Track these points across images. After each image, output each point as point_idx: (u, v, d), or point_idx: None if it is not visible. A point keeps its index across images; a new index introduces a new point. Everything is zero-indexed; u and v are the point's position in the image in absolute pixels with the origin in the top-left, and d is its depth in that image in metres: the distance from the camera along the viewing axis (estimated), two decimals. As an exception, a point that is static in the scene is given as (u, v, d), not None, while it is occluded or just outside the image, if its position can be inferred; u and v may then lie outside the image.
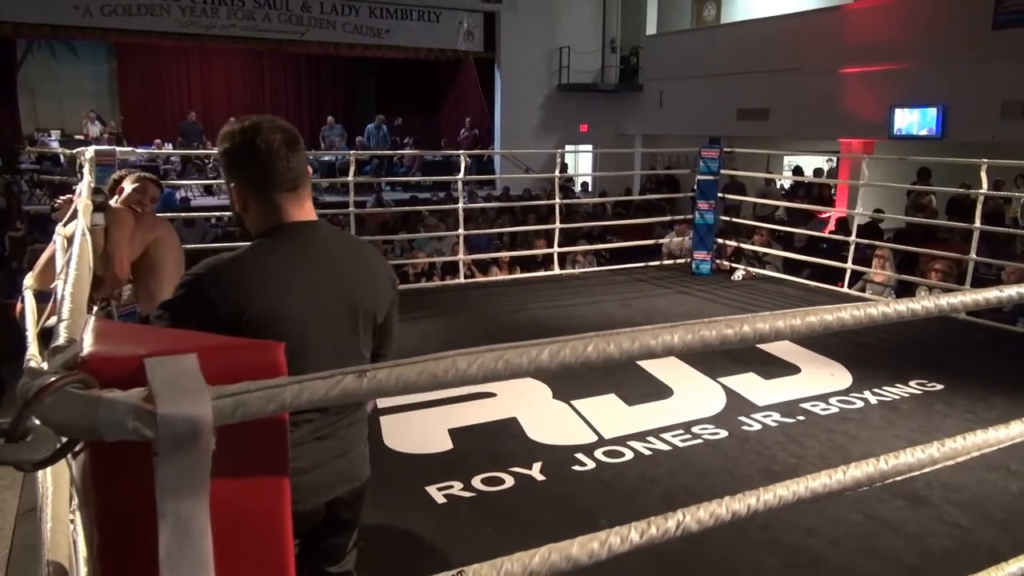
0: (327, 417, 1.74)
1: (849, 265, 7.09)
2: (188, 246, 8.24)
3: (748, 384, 4.64)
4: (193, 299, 1.59)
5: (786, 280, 7.69)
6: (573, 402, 4.30)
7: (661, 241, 8.90)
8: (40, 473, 1.20)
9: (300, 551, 1.76)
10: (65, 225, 2.69)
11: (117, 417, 0.71)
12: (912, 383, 4.70)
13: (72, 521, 1.14)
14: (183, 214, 9.15)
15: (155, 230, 3.60)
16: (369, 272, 1.81)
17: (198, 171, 14.79)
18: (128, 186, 3.69)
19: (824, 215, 11.40)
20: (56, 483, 1.15)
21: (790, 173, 15.02)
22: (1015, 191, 10.83)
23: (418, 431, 3.91)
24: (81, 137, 14.49)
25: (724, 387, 4.59)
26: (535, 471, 3.50)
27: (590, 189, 16.17)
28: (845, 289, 7.12)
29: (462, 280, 7.49)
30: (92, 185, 3.55)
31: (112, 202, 3.65)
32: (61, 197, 3.57)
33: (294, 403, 0.79)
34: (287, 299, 1.63)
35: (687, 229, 8.46)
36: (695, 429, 4.00)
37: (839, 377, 4.81)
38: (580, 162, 18.41)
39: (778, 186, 14.35)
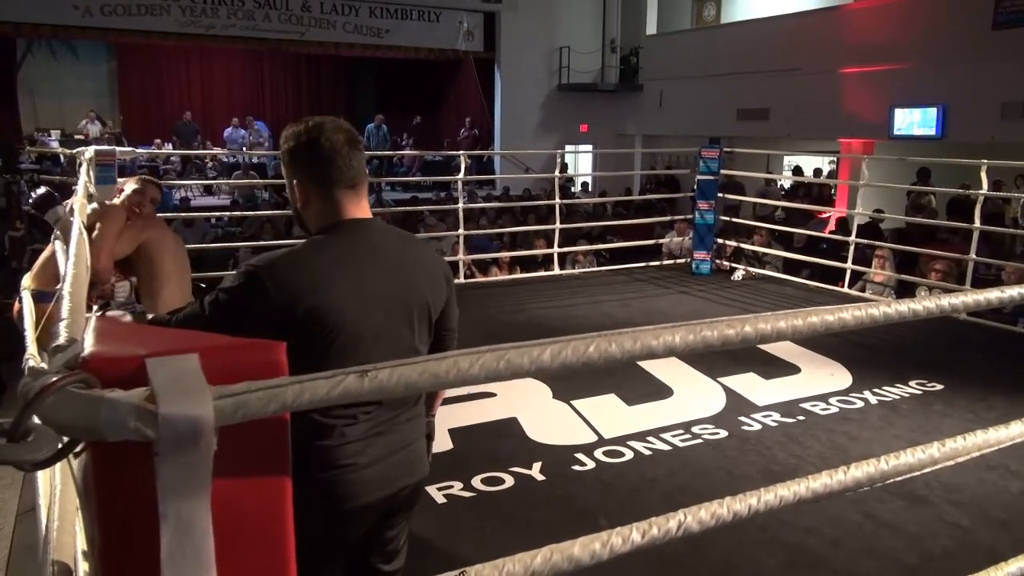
0: (385, 412, 1.76)
1: (849, 265, 7.09)
2: (189, 246, 8.22)
3: (748, 384, 4.64)
4: (251, 289, 1.61)
5: (786, 280, 7.70)
6: (573, 402, 4.30)
7: (661, 241, 8.90)
8: (42, 473, 1.20)
9: (357, 549, 1.83)
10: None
11: (119, 417, 0.71)
12: (912, 383, 4.70)
13: (77, 521, 1.14)
14: (182, 214, 9.15)
15: (147, 230, 3.59)
16: (422, 268, 1.84)
17: (197, 171, 14.79)
18: (129, 187, 3.70)
19: (824, 215, 11.40)
20: (64, 482, 1.15)
21: (790, 173, 15.02)
22: (1015, 191, 10.83)
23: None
24: (81, 137, 14.48)
25: (724, 387, 4.59)
26: (535, 471, 3.50)
27: (590, 189, 16.17)
28: (845, 289, 7.12)
29: (462, 280, 7.49)
30: (89, 186, 3.55)
31: (112, 201, 3.65)
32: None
33: (295, 403, 0.79)
34: (341, 294, 1.66)
35: (687, 228, 8.46)
36: (695, 429, 4.00)
37: (839, 377, 4.81)
38: (580, 162, 18.41)
39: (778, 186, 14.35)
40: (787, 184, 14.24)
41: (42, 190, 3.41)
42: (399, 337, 1.76)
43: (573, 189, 15.29)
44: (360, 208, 1.78)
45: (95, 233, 3.39)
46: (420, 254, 1.88)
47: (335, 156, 1.72)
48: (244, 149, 15.43)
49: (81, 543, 1.08)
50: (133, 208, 3.59)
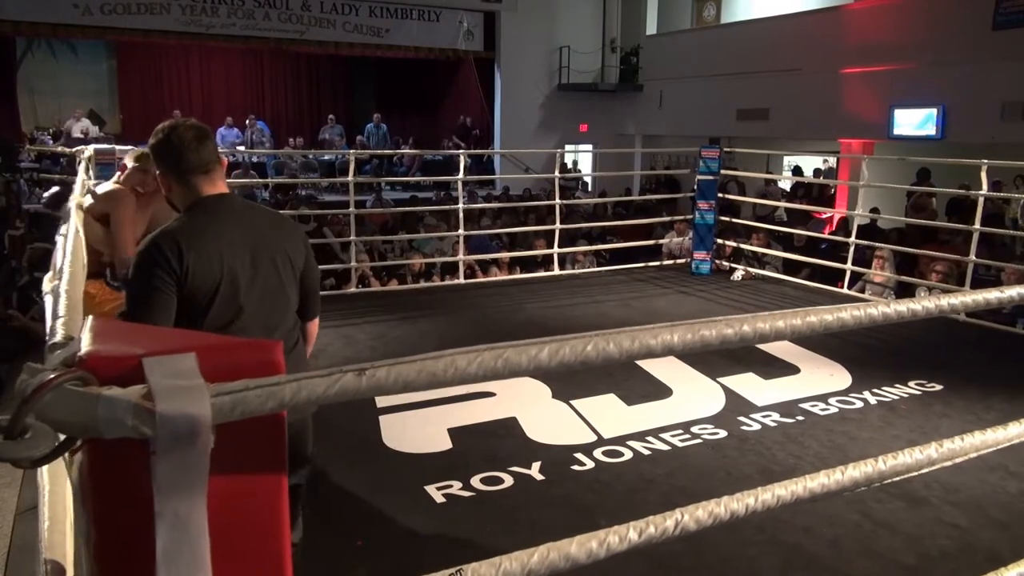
0: (258, 334, 2.13)
1: (849, 266, 7.09)
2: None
3: (747, 384, 4.64)
4: (156, 255, 2.03)
5: (785, 280, 7.70)
6: (572, 402, 4.30)
7: (661, 242, 8.90)
8: (39, 471, 1.20)
9: None
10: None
11: (116, 415, 0.70)
12: (911, 384, 4.71)
13: (70, 520, 1.14)
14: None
15: (152, 204, 3.57)
16: (277, 225, 2.26)
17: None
18: (130, 163, 3.64)
19: (823, 216, 11.41)
20: (53, 481, 1.15)
21: (790, 173, 15.02)
22: (1014, 192, 10.84)
23: (417, 430, 3.91)
24: (47, 135, 14.45)
25: (723, 387, 4.59)
26: (534, 471, 3.50)
27: (589, 189, 16.17)
28: (845, 290, 7.12)
29: (462, 280, 7.49)
30: (88, 185, 3.54)
31: (114, 181, 3.63)
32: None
33: (292, 401, 0.79)
34: (214, 248, 2.07)
35: (686, 228, 8.46)
36: (694, 429, 4.00)
37: (838, 377, 4.81)
38: (580, 162, 18.42)
39: (778, 186, 14.35)
40: (787, 185, 14.24)
41: (55, 188, 3.41)
42: (268, 277, 2.17)
43: (573, 190, 15.28)
44: (215, 187, 2.17)
45: (112, 224, 3.39)
46: (275, 217, 2.31)
47: (185, 149, 2.11)
48: (241, 148, 15.42)
49: (74, 541, 1.08)
50: (137, 188, 3.58)
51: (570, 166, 17.52)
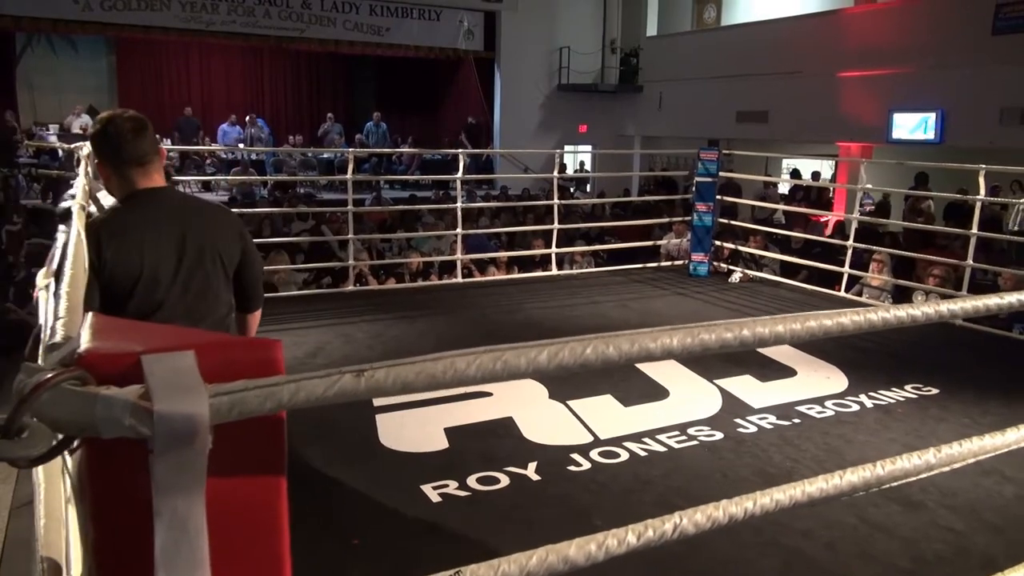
0: (183, 323, 2.13)
1: (846, 269, 7.10)
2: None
3: (744, 386, 4.65)
4: (93, 239, 2.07)
5: (783, 283, 7.70)
6: (569, 402, 4.30)
7: (659, 243, 8.89)
8: (35, 469, 1.20)
9: None
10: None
11: (114, 414, 0.70)
12: (908, 387, 4.71)
13: (67, 518, 1.14)
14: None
15: None
16: (211, 219, 2.25)
17: (196, 168, 14.76)
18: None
19: (821, 219, 11.42)
20: (49, 478, 1.14)
21: (788, 176, 15.03)
22: (1010, 197, 10.86)
23: (414, 430, 3.91)
24: (52, 131, 14.44)
25: (720, 389, 4.59)
26: (530, 471, 3.50)
27: (588, 190, 16.17)
28: (842, 293, 7.13)
29: (460, 279, 7.49)
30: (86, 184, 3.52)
31: None
32: None
33: (291, 402, 0.78)
34: (137, 241, 2.10)
35: (685, 229, 8.46)
36: (691, 431, 4.00)
37: (835, 380, 4.82)
38: (578, 162, 18.43)
39: (776, 189, 14.37)
40: (785, 188, 14.25)
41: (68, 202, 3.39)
42: (194, 270, 2.17)
43: (572, 189, 15.28)
44: (150, 180, 2.19)
45: None
46: (209, 210, 2.30)
47: (122, 141, 2.12)
48: (241, 146, 15.40)
49: (72, 540, 1.08)
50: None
51: (576, 167, 17.54)
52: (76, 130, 14.41)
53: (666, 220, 9.07)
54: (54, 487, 1.14)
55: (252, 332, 2.56)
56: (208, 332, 0.95)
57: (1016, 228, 10.12)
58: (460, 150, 8.67)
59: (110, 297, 2.11)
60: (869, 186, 7.56)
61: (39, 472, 1.19)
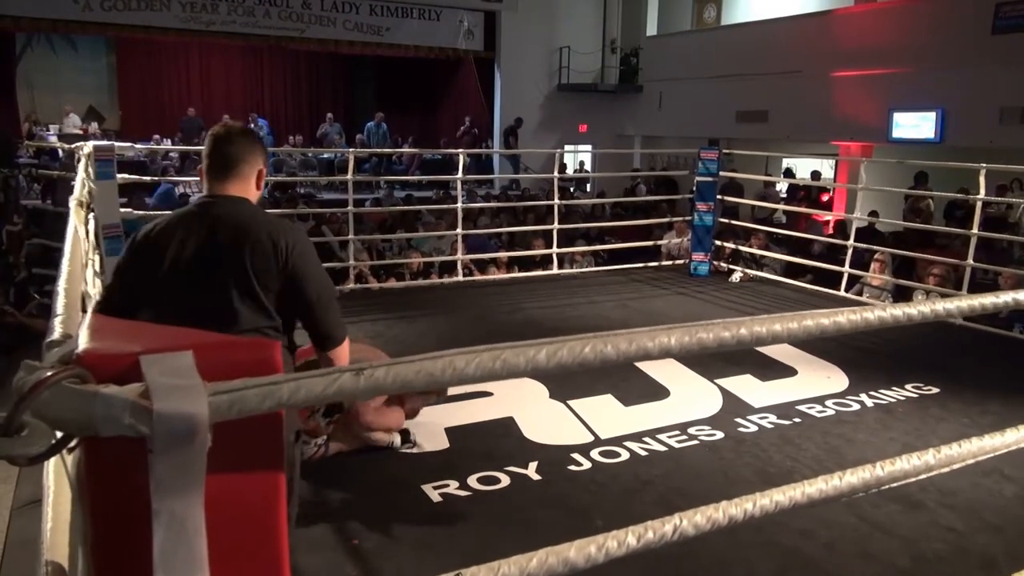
0: None
1: (847, 269, 7.09)
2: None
3: (744, 386, 4.65)
4: (142, 226, 2.19)
5: (783, 282, 7.70)
6: (570, 402, 4.30)
7: (660, 243, 8.88)
8: (44, 470, 1.20)
9: None
10: None
11: (113, 413, 0.70)
12: (908, 387, 4.71)
13: (73, 520, 1.14)
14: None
15: None
16: (246, 240, 2.09)
17: (197, 167, 14.75)
18: None
19: (821, 219, 11.42)
20: (58, 480, 1.14)
21: (782, 175, 15.03)
22: (1009, 196, 10.85)
23: (414, 429, 3.90)
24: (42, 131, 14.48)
25: (720, 388, 4.59)
26: (531, 471, 3.50)
27: (588, 189, 16.17)
28: (842, 292, 7.13)
29: (460, 279, 7.49)
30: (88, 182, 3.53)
31: None
32: None
33: (290, 400, 0.79)
34: (171, 237, 2.09)
35: (686, 228, 8.46)
36: (691, 430, 4.00)
37: (835, 380, 4.82)
38: (578, 161, 18.43)
39: (776, 188, 14.37)
40: (784, 187, 14.25)
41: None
42: (212, 288, 2.07)
43: (572, 189, 15.27)
44: (224, 188, 2.18)
45: None
46: (255, 228, 2.12)
47: (207, 152, 2.20)
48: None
49: (77, 543, 1.08)
50: None
51: (576, 167, 17.53)
52: (68, 131, 14.44)
53: (666, 220, 9.07)
54: (63, 489, 1.14)
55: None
56: (207, 333, 0.95)
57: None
58: (460, 151, 8.65)
59: (136, 293, 2.09)
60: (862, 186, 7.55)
61: (49, 474, 1.19)
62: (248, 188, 2.22)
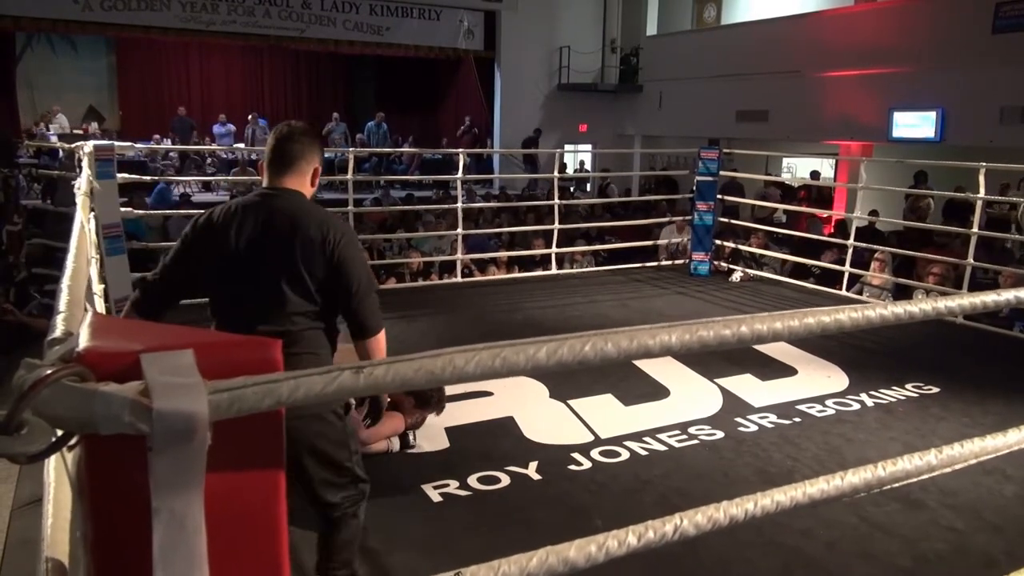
0: None
1: (847, 268, 7.09)
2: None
3: (745, 385, 4.65)
4: (200, 214, 2.38)
5: (784, 282, 7.70)
6: (570, 401, 4.30)
7: (660, 242, 8.87)
8: (45, 468, 1.20)
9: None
10: None
11: (113, 411, 0.70)
12: (908, 386, 4.71)
13: (74, 518, 1.14)
14: (180, 212, 9.14)
15: None
16: (302, 227, 2.26)
17: (196, 167, 14.75)
18: None
19: (822, 216, 11.41)
20: (59, 478, 1.14)
21: (788, 174, 15.03)
22: (1013, 195, 10.83)
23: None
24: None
25: (721, 388, 4.59)
26: (531, 470, 3.50)
27: (588, 189, 16.16)
28: (843, 292, 7.12)
29: (460, 279, 7.49)
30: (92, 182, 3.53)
31: None
32: None
33: (290, 398, 0.78)
34: (229, 225, 2.27)
35: (685, 225, 8.47)
36: (691, 430, 4.00)
37: (835, 379, 4.82)
38: (577, 161, 18.43)
39: (775, 188, 14.36)
40: (789, 183, 14.24)
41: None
42: (265, 271, 2.24)
43: (572, 189, 15.27)
44: (281, 181, 2.34)
45: None
46: (306, 220, 2.28)
47: (270, 148, 2.37)
48: (241, 145, 15.40)
49: (76, 539, 1.08)
50: None
51: (576, 167, 17.53)
52: (56, 131, 14.44)
53: (666, 220, 9.07)
54: (63, 487, 1.14)
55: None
56: (207, 331, 0.95)
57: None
58: (460, 150, 8.65)
59: (196, 269, 2.30)
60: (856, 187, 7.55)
61: (49, 472, 1.19)
62: (304, 183, 2.37)
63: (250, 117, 16.00)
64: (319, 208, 2.41)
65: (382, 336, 2.36)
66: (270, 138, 2.39)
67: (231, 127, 15.85)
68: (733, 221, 8.54)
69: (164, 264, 2.33)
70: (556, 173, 8.14)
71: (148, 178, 8.89)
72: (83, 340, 0.79)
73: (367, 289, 2.31)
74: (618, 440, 3.85)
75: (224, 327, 2.26)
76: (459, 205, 7.59)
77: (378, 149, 15.21)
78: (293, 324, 2.24)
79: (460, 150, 8.14)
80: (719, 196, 8.13)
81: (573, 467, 3.57)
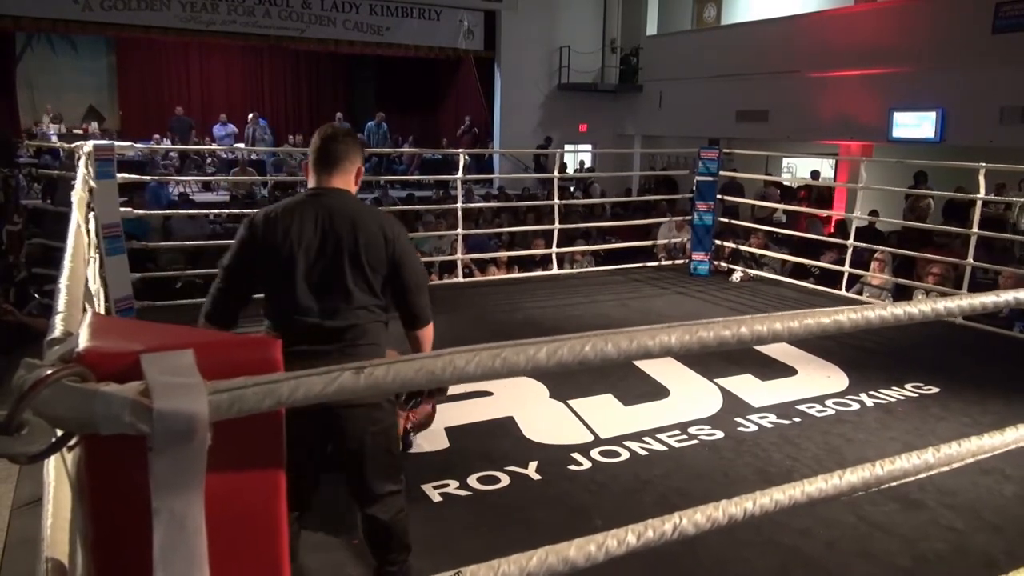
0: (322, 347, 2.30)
1: (847, 268, 7.09)
2: (190, 241, 8.20)
3: (744, 385, 4.65)
4: (256, 215, 2.43)
5: (784, 282, 7.70)
6: (570, 401, 4.30)
7: (659, 241, 8.87)
8: (45, 468, 1.20)
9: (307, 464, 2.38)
10: None
11: (113, 411, 0.70)
12: (908, 386, 4.71)
13: (74, 518, 1.14)
14: (182, 211, 9.13)
15: None
16: (360, 224, 2.35)
17: (196, 167, 14.75)
18: None
19: (822, 216, 11.40)
20: (59, 478, 1.14)
21: (789, 174, 15.02)
22: (1012, 195, 10.84)
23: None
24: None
25: (720, 388, 4.59)
26: (531, 470, 3.51)
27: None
28: (843, 292, 7.12)
29: (460, 279, 7.48)
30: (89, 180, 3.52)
31: None
32: None
33: (291, 398, 0.78)
34: (288, 224, 2.33)
35: (684, 224, 8.46)
36: (691, 430, 4.00)
37: (835, 379, 4.82)
38: (577, 161, 18.43)
39: (776, 188, 14.36)
40: (787, 184, 14.24)
41: None
42: (328, 268, 2.32)
43: (572, 189, 15.27)
44: (330, 181, 2.43)
45: None
46: (364, 216, 2.39)
47: (316, 148, 2.45)
48: (241, 145, 15.40)
49: (76, 540, 1.08)
50: None
51: (576, 167, 17.52)
52: (47, 131, 14.45)
53: (666, 219, 9.07)
54: (63, 487, 1.14)
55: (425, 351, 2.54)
56: (207, 331, 0.95)
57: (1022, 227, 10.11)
58: (460, 150, 8.64)
59: (262, 269, 2.36)
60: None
61: (49, 472, 1.19)
62: (349, 182, 2.48)
63: (250, 117, 16.00)
64: (372, 207, 2.54)
65: (431, 327, 2.52)
66: (315, 139, 2.46)
67: (232, 127, 15.85)
68: (733, 221, 8.54)
69: (225, 269, 2.40)
70: (556, 173, 8.14)
71: (147, 178, 8.87)
72: (83, 340, 0.78)
73: (422, 283, 2.48)
74: (618, 440, 3.85)
75: (285, 325, 2.31)
76: (459, 205, 7.58)
77: (378, 149, 15.21)
78: (358, 318, 2.34)
79: (460, 150, 8.14)
80: (719, 196, 8.13)
81: (573, 467, 3.57)
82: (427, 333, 2.52)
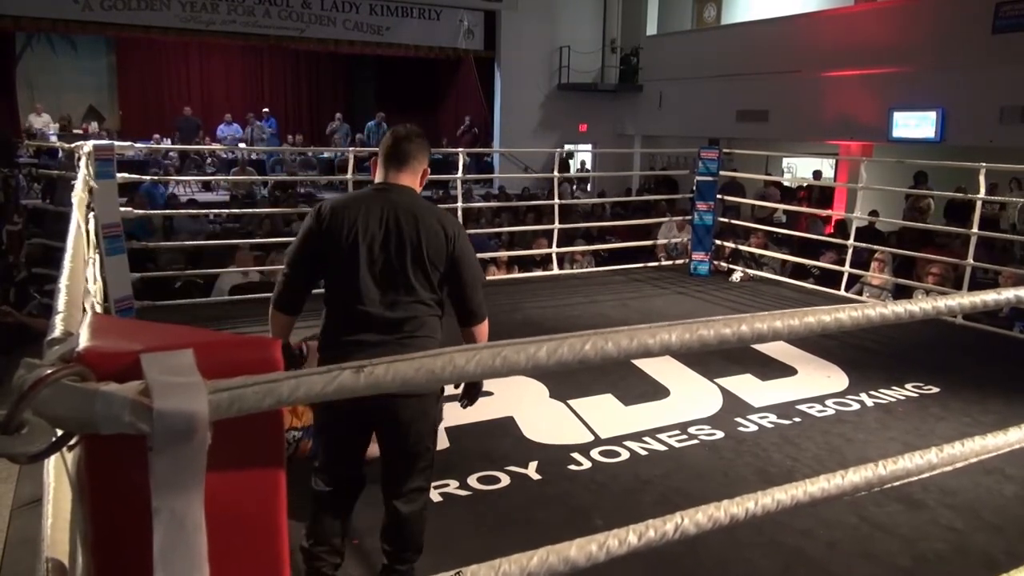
0: (374, 338, 2.37)
1: (847, 268, 7.09)
2: (190, 241, 8.19)
3: (745, 385, 4.64)
4: (322, 206, 2.49)
5: (784, 282, 7.70)
6: (570, 401, 4.29)
7: (659, 241, 8.87)
8: (44, 467, 1.20)
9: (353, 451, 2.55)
10: None
11: (113, 411, 0.70)
12: (908, 386, 4.71)
13: (74, 518, 1.13)
14: (182, 211, 9.12)
15: None
16: (422, 219, 2.42)
17: (196, 167, 14.74)
18: None
19: (822, 216, 11.41)
20: (58, 478, 1.14)
21: (789, 174, 15.02)
22: (1007, 195, 10.85)
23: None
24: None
25: (721, 388, 4.59)
26: (531, 470, 3.50)
27: (588, 189, 16.16)
28: (843, 292, 7.12)
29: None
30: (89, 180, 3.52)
31: None
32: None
33: (291, 398, 0.78)
34: (354, 216, 2.40)
35: (685, 223, 8.46)
36: (691, 430, 4.00)
37: (835, 379, 4.82)
38: (578, 161, 18.43)
39: (776, 188, 14.37)
40: (787, 184, 14.24)
41: None
42: (389, 262, 2.38)
43: (573, 188, 15.27)
44: (397, 178, 2.50)
45: None
46: (426, 213, 2.45)
47: (387, 146, 2.53)
48: (242, 145, 15.39)
49: (78, 540, 1.08)
50: None
51: (576, 167, 17.52)
52: (38, 128, 14.42)
53: (667, 219, 9.07)
54: (63, 487, 1.14)
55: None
56: (207, 331, 0.95)
57: (1020, 226, 10.11)
58: (460, 150, 8.64)
59: (326, 259, 2.42)
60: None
61: (49, 471, 1.18)
62: (415, 181, 2.54)
63: (249, 117, 15.99)
64: (434, 205, 2.61)
65: (487, 324, 2.58)
66: (387, 137, 2.54)
67: (236, 127, 15.85)
68: (733, 221, 8.53)
69: (292, 258, 2.48)
70: (556, 173, 8.14)
71: (147, 178, 8.86)
72: (83, 340, 0.78)
73: (479, 281, 2.56)
74: (618, 440, 3.85)
75: (346, 313, 2.39)
76: (459, 205, 7.58)
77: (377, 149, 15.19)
78: (417, 311, 2.41)
79: (460, 150, 8.15)
80: (719, 196, 8.12)
81: (573, 467, 3.57)
82: (482, 330, 2.58)
